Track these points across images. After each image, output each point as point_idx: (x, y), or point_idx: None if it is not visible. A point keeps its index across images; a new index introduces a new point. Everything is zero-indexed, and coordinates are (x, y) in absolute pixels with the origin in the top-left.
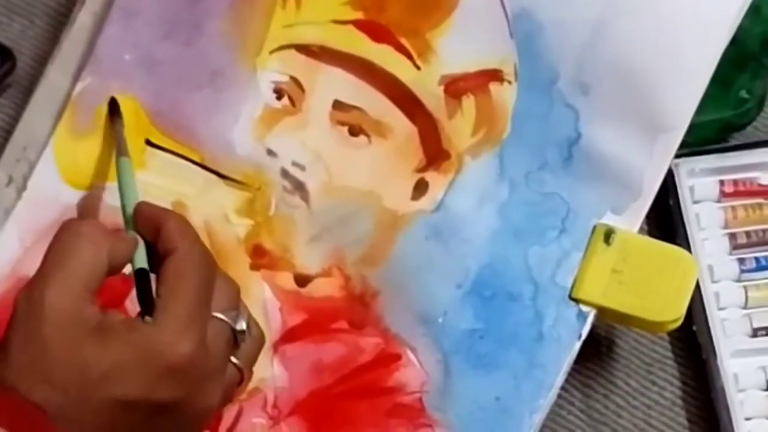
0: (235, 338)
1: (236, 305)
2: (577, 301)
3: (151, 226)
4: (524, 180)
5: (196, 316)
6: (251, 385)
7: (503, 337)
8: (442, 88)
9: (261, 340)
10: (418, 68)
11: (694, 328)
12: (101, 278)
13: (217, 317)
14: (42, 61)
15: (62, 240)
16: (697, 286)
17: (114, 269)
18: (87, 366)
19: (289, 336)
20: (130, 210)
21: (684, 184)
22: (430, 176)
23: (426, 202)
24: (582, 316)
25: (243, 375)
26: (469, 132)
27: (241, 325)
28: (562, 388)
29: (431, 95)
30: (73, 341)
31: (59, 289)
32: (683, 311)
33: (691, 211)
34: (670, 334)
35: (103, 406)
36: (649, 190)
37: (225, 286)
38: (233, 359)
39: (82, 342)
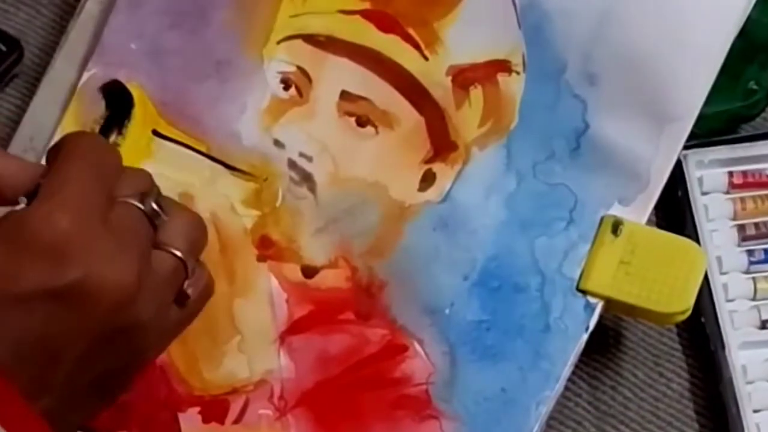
0: (151, 221)
1: (144, 189)
2: (584, 292)
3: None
4: (532, 171)
5: (77, 194)
6: (257, 376)
7: (510, 328)
8: (449, 78)
9: (188, 219)
10: (426, 58)
11: (703, 319)
12: None
13: (120, 201)
14: (49, 51)
15: None
16: (706, 277)
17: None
18: None
19: (295, 327)
20: None
21: (692, 176)
22: (437, 167)
23: (433, 193)
24: (589, 307)
25: (185, 263)
26: (476, 123)
27: (149, 205)
28: (569, 379)
29: (439, 86)
30: None
31: None
32: (691, 303)
33: (699, 203)
34: (678, 325)
35: (3, 310)
36: (657, 181)
37: (132, 173)
38: (161, 243)
39: None
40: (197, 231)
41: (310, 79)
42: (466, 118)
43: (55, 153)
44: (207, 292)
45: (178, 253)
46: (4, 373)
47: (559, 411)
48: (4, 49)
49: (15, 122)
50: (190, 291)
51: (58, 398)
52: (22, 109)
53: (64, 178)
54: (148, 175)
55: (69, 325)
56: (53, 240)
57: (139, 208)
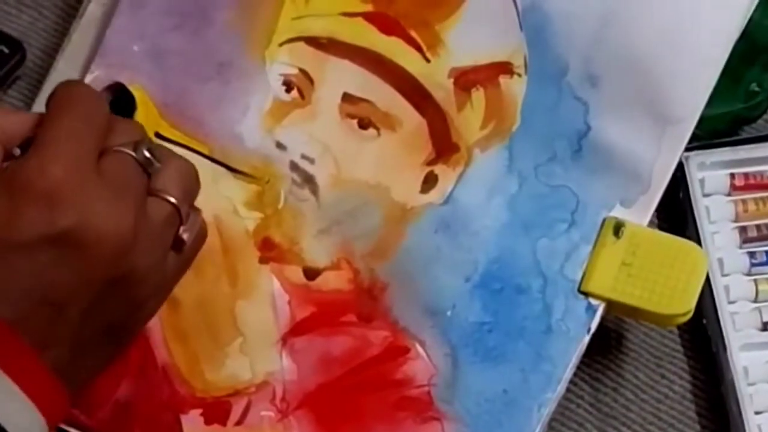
0: (145, 169)
1: (136, 138)
2: (586, 294)
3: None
4: (533, 173)
5: (69, 143)
6: (259, 378)
7: (512, 330)
8: (451, 80)
9: (180, 166)
10: (428, 61)
11: (704, 321)
12: None
13: (113, 150)
14: (51, 53)
15: None
16: (707, 279)
17: (9, 144)
18: None
19: (297, 329)
20: None
21: (694, 177)
22: (439, 169)
23: (435, 195)
24: (591, 309)
25: (179, 209)
26: (478, 125)
27: (142, 153)
28: (571, 381)
29: (441, 88)
30: None
31: None
32: (693, 304)
33: (701, 205)
34: (680, 327)
35: (6, 261)
36: (659, 183)
37: (123, 122)
38: (155, 191)
39: None
40: (190, 177)
41: (312, 81)
42: (468, 120)
43: (49, 103)
44: (201, 236)
45: (173, 200)
46: (12, 326)
47: (561, 413)
48: (6, 51)
49: None
50: (185, 236)
51: (66, 350)
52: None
53: (56, 129)
54: (139, 125)
55: (70, 273)
56: (47, 188)
57: (132, 157)
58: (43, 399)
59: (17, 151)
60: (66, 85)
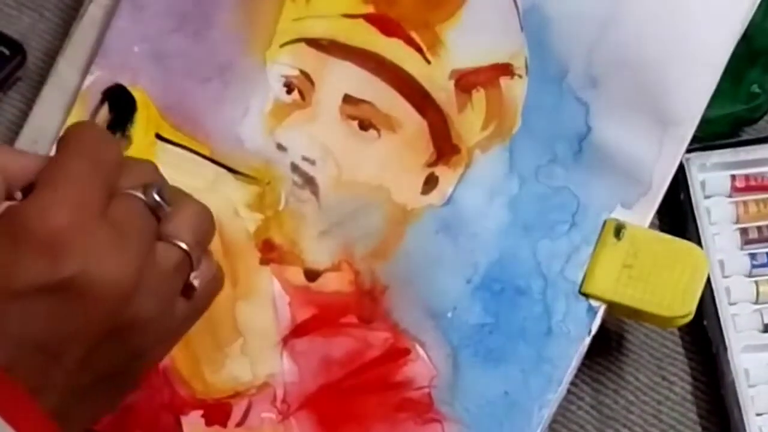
0: (154, 213)
1: (147, 180)
2: (587, 295)
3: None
4: (534, 174)
5: (74, 188)
6: (260, 379)
7: (512, 331)
8: (452, 82)
9: (194, 209)
10: (429, 62)
11: (705, 323)
12: None
13: (121, 194)
14: (52, 54)
15: None
16: (708, 281)
17: (12, 187)
18: None
19: (298, 330)
20: None
21: (695, 179)
22: (439, 170)
23: (436, 196)
24: (592, 311)
25: (190, 255)
26: (479, 126)
27: (151, 196)
28: (572, 383)
29: (441, 89)
30: None
31: None
32: (694, 306)
33: (702, 206)
34: (681, 329)
35: (2, 308)
36: (660, 185)
37: (134, 164)
38: (165, 236)
39: None
40: (204, 221)
41: (312, 83)
42: (469, 122)
43: (58, 144)
44: (215, 284)
45: (183, 245)
46: (9, 373)
47: (562, 414)
48: (7, 52)
49: (18, 125)
50: (196, 282)
51: (62, 397)
52: (25, 113)
53: (61, 171)
54: (152, 166)
55: (68, 322)
56: (49, 235)
57: (141, 200)
58: None
59: (19, 195)
60: (75, 126)
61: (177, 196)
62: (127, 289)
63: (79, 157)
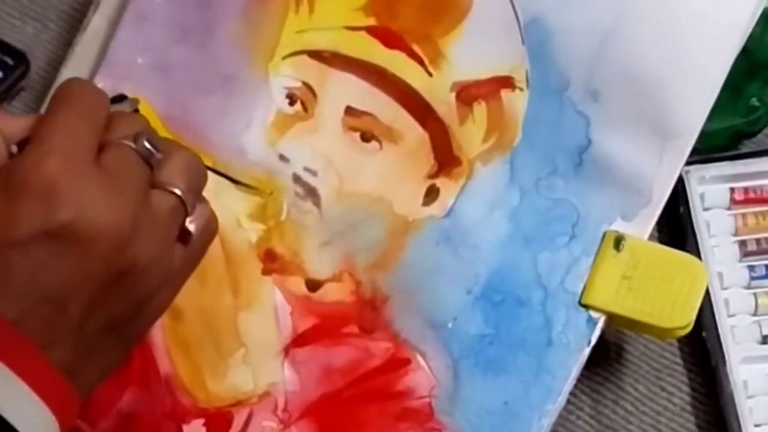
0: (147, 161)
1: (137, 130)
2: (586, 307)
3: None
4: (535, 186)
5: (66, 138)
6: (261, 389)
7: (513, 342)
8: (453, 94)
9: (184, 156)
10: (430, 75)
11: (704, 334)
12: None
13: (112, 143)
14: (55, 64)
15: None
16: (707, 292)
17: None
18: None
19: (299, 340)
20: None
21: (694, 191)
22: (441, 182)
23: (437, 207)
24: (591, 322)
25: (184, 200)
26: (480, 138)
27: (142, 144)
28: (572, 393)
29: (443, 101)
30: None
31: None
32: (693, 318)
33: (701, 218)
34: (680, 340)
35: (5, 259)
36: (660, 197)
37: (125, 116)
38: (159, 183)
39: None
40: (195, 168)
41: (315, 95)
42: (470, 134)
43: (49, 102)
44: (210, 228)
45: (177, 191)
46: (15, 325)
47: (561, 424)
48: (10, 62)
49: None
50: (192, 228)
51: (71, 350)
52: None
53: (52, 124)
54: (142, 117)
55: (70, 267)
56: (43, 183)
57: (132, 148)
58: (54, 398)
59: (14, 149)
60: (65, 83)
61: (167, 145)
62: (124, 232)
63: (69, 110)
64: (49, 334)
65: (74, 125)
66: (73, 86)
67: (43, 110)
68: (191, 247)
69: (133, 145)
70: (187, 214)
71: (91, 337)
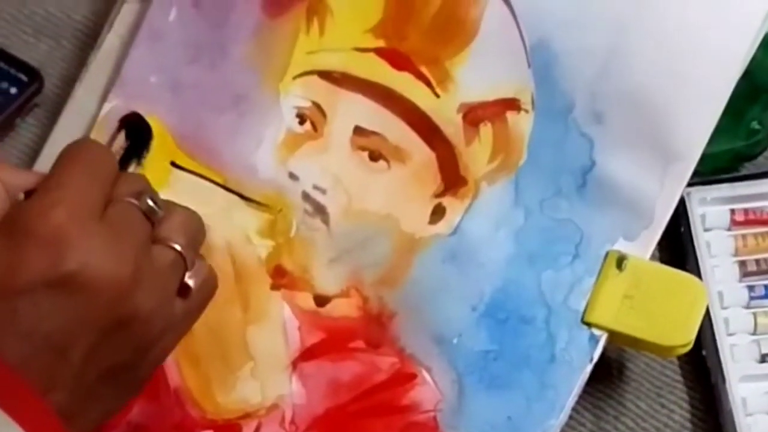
0: (149, 218)
1: (139, 189)
2: (589, 324)
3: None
4: (539, 206)
5: (73, 191)
6: (269, 401)
7: (516, 358)
8: (460, 115)
9: (184, 214)
10: (438, 96)
11: (704, 352)
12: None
13: (119, 200)
14: (69, 82)
15: None
16: (707, 311)
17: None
18: None
19: (307, 354)
20: None
21: (695, 213)
22: (447, 201)
23: (443, 226)
24: (594, 339)
25: (183, 255)
26: (486, 159)
27: (146, 203)
28: (574, 409)
29: (450, 122)
30: None
31: None
32: (693, 336)
33: (702, 239)
34: (680, 358)
35: (10, 304)
36: (661, 218)
37: (128, 175)
38: (160, 239)
39: None
40: (194, 225)
41: (324, 114)
42: (476, 154)
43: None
44: (209, 283)
45: (177, 246)
46: (15, 369)
47: None
48: (25, 79)
49: (35, 151)
50: (191, 282)
51: (69, 394)
52: (42, 138)
53: (61, 177)
54: (144, 178)
55: (73, 315)
56: (50, 233)
57: (136, 205)
58: None
59: (21, 197)
60: (76, 141)
61: (168, 204)
62: (127, 284)
63: (78, 165)
64: (49, 379)
65: (82, 180)
66: (82, 144)
67: (55, 129)
68: (191, 300)
69: (136, 202)
70: (186, 269)
71: (91, 383)
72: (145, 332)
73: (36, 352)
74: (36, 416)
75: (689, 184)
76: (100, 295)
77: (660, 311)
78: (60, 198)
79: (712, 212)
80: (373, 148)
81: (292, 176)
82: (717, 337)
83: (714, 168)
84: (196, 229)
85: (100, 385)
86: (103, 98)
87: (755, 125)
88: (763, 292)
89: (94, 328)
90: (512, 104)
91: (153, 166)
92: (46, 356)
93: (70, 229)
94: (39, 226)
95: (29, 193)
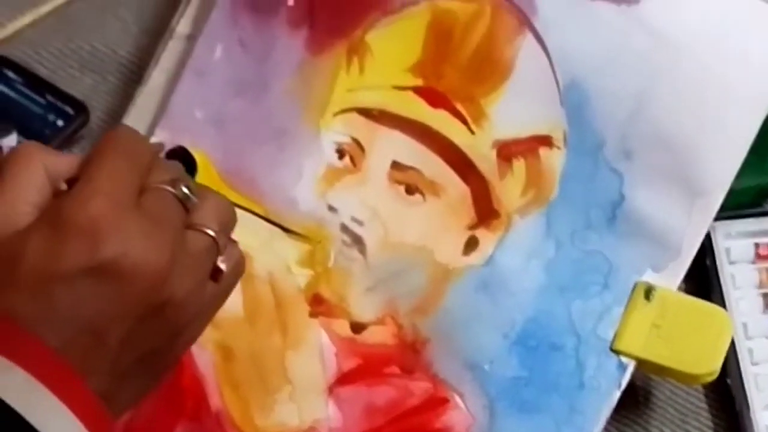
0: (183, 205)
1: (175, 176)
2: (617, 352)
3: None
4: (570, 238)
5: (111, 180)
6: (307, 425)
7: (546, 384)
8: (494, 151)
9: (218, 201)
10: (473, 133)
11: (729, 381)
12: (43, 192)
13: (153, 187)
14: (113, 115)
15: (6, 165)
16: (732, 342)
17: (55, 182)
18: (25, 258)
19: (343, 379)
20: None
21: (721, 246)
22: (480, 233)
23: (476, 257)
24: (622, 367)
25: (217, 240)
26: (518, 193)
27: (180, 189)
28: None
29: (484, 158)
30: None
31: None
32: (718, 365)
33: (727, 272)
34: (705, 386)
35: (51, 291)
36: (689, 251)
37: (164, 163)
38: (194, 224)
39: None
40: (226, 211)
41: (363, 150)
42: (509, 188)
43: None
44: (239, 267)
45: (210, 232)
46: (58, 353)
47: None
48: (71, 112)
49: None
50: (223, 266)
51: (107, 379)
52: None
53: (99, 166)
54: (179, 165)
55: (111, 301)
56: (89, 222)
57: (171, 192)
58: (92, 421)
59: (64, 186)
60: (114, 129)
61: (202, 190)
62: (163, 270)
63: (115, 154)
64: (88, 362)
65: (120, 168)
66: (121, 134)
67: None
68: (221, 283)
69: (171, 189)
70: (219, 254)
71: (126, 367)
72: (179, 317)
73: (75, 338)
74: (79, 396)
75: (715, 219)
76: (138, 282)
77: (687, 341)
78: (98, 188)
79: (737, 246)
80: (409, 182)
81: (331, 208)
82: (741, 367)
83: (739, 203)
84: (228, 214)
85: (133, 369)
86: (150, 132)
87: None
88: None
89: (131, 315)
90: (545, 141)
91: None
92: (85, 341)
93: (109, 219)
94: (79, 216)
95: (71, 182)
